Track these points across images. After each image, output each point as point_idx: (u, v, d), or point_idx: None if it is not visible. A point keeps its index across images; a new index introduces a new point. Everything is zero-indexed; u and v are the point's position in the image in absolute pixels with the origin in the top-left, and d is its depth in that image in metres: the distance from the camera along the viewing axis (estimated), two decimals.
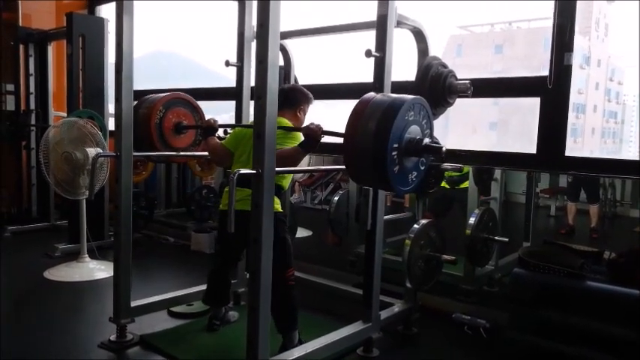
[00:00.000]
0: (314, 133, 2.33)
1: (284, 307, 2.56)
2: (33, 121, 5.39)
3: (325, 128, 2.34)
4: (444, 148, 1.99)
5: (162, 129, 3.01)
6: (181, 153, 3.16)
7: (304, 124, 2.52)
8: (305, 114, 2.81)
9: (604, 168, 2.97)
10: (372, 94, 2.04)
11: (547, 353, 2.61)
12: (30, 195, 5.53)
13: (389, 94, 2.04)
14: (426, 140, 2.00)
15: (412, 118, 1.96)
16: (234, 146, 2.73)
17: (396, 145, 1.90)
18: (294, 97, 2.77)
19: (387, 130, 1.87)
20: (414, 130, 1.97)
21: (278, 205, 2.59)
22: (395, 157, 1.90)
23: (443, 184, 4.09)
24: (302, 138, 2.42)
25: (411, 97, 1.98)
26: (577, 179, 4.98)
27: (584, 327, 2.50)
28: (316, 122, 2.37)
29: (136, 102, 3.02)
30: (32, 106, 5.41)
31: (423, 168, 2.08)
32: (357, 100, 2.02)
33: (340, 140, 2.07)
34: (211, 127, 2.85)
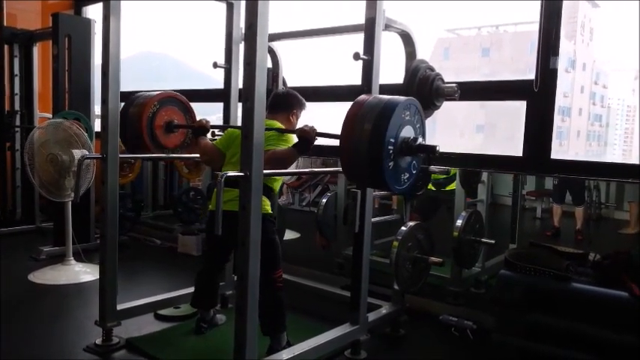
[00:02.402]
0: (308, 135, 2.32)
1: (271, 309, 2.55)
2: (18, 123, 5.33)
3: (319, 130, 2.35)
4: (437, 147, 2.02)
5: (153, 126, 2.99)
6: (171, 155, 3.14)
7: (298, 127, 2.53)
8: (298, 119, 2.82)
9: (589, 171, 3.00)
10: (365, 96, 2.06)
11: (533, 355, 2.63)
12: (14, 197, 5.46)
13: (382, 96, 2.05)
14: (420, 139, 2.03)
15: (407, 118, 1.99)
16: (225, 147, 2.71)
17: (392, 140, 1.92)
18: (288, 102, 2.79)
19: (384, 126, 1.89)
20: (408, 131, 2.00)
21: (268, 207, 2.59)
22: (390, 151, 1.92)
23: (429, 186, 4.11)
24: (294, 141, 2.43)
25: (405, 97, 2.02)
26: (563, 181, 5.03)
27: (569, 328, 2.53)
28: (310, 124, 2.37)
29: (126, 101, 3.01)
30: (17, 107, 5.35)
31: (414, 171, 2.10)
32: (348, 102, 2.03)
33: (332, 142, 2.08)
34: (203, 127, 2.83)
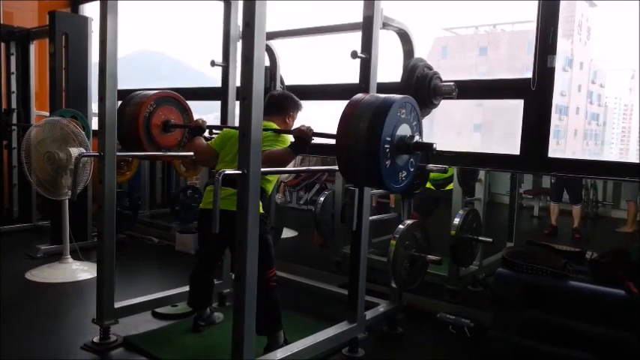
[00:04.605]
0: (304, 135, 2.34)
1: (265, 308, 2.56)
2: (14, 121, 5.31)
3: (315, 130, 2.36)
4: (434, 145, 2.01)
5: (150, 125, 2.98)
6: (168, 153, 3.13)
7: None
8: (294, 120, 2.83)
9: (586, 169, 3.01)
10: (361, 95, 2.06)
11: (530, 353, 2.64)
12: (11, 195, 5.45)
13: (378, 95, 2.05)
14: (417, 137, 2.03)
15: (404, 116, 1.99)
16: (219, 147, 2.73)
17: (388, 139, 1.91)
18: (284, 104, 2.79)
19: (380, 124, 1.89)
20: (404, 129, 2.00)
21: (260, 208, 2.59)
22: (387, 150, 1.92)
23: (428, 185, 4.12)
24: (291, 141, 2.44)
25: (401, 96, 2.01)
26: (560, 180, 5.04)
27: (566, 326, 2.53)
28: (307, 124, 2.38)
29: (123, 99, 3.00)
30: (14, 105, 5.33)
31: (412, 169, 2.10)
32: (345, 101, 2.03)
33: (329, 141, 2.08)
34: (199, 127, 2.84)
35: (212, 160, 2.76)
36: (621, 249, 2.67)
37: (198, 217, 2.85)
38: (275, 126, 2.67)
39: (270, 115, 2.71)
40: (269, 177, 2.65)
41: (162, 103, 3.02)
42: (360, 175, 2.11)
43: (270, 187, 2.74)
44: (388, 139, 1.91)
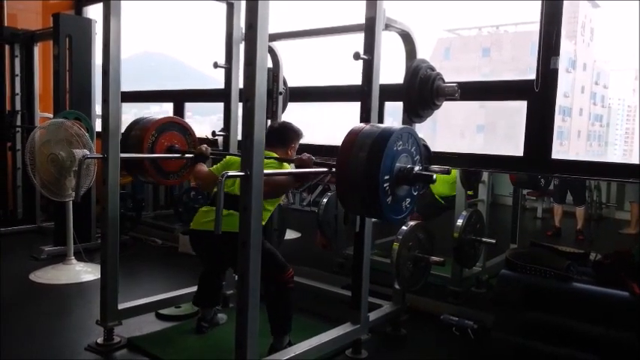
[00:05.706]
0: (305, 164, 2.42)
1: (281, 309, 2.59)
2: (19, 122, 5.33)
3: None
4: (434, 176, 2.01)
5: (154, 152, 3.02)
6: (171, 155, 3.14)
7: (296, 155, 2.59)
8: (295, 150, 2.87)
9: (590, 171, 3.00)
10: (361, 125, 2.06)
11: (534, 354, 2.63)
12: (15, 197, 5.47)
13: (377, 125, 2.05)
14: (417, 168, 2.02)
15: (401, 147, 1.98)
16: (221, 173, 2.73)
17: (387, 177, 1.91)
18: (286, 136, 2.82)
19: (377, 162, 1.88)
20: (404, 159, 1.99)
21: None
22: (387, 188, 1.91)
23: (438, 197, 4.11)
24: (291, 168, 2.52)
25: (398, 127, 2.01)
26: (563, 182, 5.03)
27: (570, 328, 2.53)
28: (307, 154, 2.45)
29: (126, 127, 3.03)
30: (18, 107, 5.35)
31: (415, 193, 2.09)
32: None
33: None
34: (202, 154, 2.90)
35: (213, 185, 2.78)
36: (625, 250, 2.66)
37: (189, 239, 2.84)
38: (277, 155, 2.70)
39: (273, 147, 2.72)
40: (267, 206, 2.63)
41: (164, 130, 3.07)
42: (362, 211, 2.15)
43: (265, 216, 2.70)
44: (387, 177, 1.90)
